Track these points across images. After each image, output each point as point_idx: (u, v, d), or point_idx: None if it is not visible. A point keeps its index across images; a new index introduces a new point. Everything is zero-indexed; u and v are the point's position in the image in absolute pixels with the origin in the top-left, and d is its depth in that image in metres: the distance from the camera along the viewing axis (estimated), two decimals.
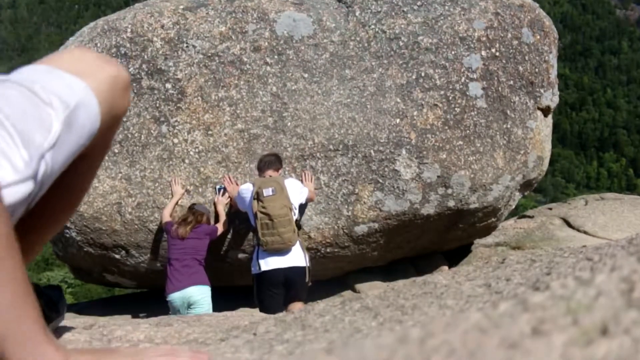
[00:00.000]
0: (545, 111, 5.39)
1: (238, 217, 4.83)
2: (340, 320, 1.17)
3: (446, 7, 5.05)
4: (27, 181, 0.81)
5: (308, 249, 4.68)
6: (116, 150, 4.85)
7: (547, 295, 0.50)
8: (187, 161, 4.85)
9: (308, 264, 4.23)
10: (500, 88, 5.04)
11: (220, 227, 4.72)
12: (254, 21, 4.92)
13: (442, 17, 5.01)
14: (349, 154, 4.80)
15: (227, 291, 5.12)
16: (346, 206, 4.84)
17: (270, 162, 4.39)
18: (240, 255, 5.06)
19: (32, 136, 0.83)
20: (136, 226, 4.89)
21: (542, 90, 5.27)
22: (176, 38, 4.88)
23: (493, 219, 5.48)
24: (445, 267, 5.76)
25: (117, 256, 5.09)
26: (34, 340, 0.76)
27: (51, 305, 1.18)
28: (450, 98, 4.90)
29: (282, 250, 4.14)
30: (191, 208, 4.65)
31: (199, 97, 4.86)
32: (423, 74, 4.91)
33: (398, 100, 4.86)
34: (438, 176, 4.84)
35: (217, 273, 4.96)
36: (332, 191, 4.83)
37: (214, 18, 4.93)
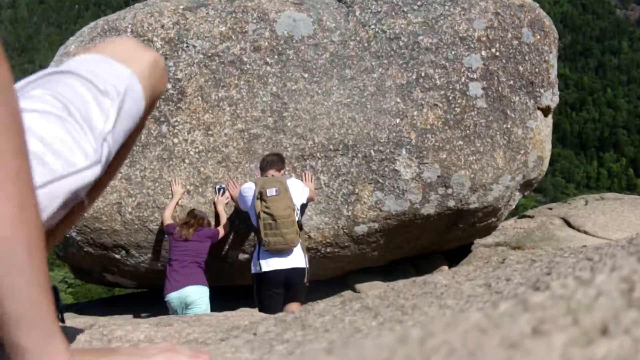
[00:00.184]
0: (546, 111, 5.39)
1: (238, 217, 4.83)
2: (340, 320, 1.17)
3: (446, 7, 5.05)
4: (96, 166, 0.89)
5: (308, 249, 4.69)
6: None
7: (547, 295, 0.50)
8: (187, 161, 4.85)
9: (307, 266, 4.22)
10: (500, 88, 5.04)
11: (221, 231, 4.72)
12: (254, 21, 4.92)
13: (442, 17, 5.01)
14: (349, 153, 4.80)
15: (227, 291, 5.12)
16: (346, 206, 4.84)
17: (273, 161, 4.38)
18: (241, 256, 5.06)
19: (95, 123, 0.91)
20: (136, 226, 4.89)
21: (542, 90, 5.27)
22: (176, 38, 4.88)
23: (493, 219, 5.48)
24: (445, 267, 5.76)
25: (117, 256, 5.09)
26: (47, 329, 0.74)
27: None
28: (451, 98, 4.90)
29: (284, 251, 4.12)
30: (191, 212, 4.67)
31: (199, 97, 4.86)
32: (423, 74, 4.91)
33: (398, 100, 4.86)
34: (438, 176, 4.84)
35: (217, 273, 4.96)
36: (332, 191, 4.83)
37: (214, 18, 4.93)
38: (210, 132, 4.85)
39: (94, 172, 0.89)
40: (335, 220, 4.87)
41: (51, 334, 0.74)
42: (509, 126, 5.08)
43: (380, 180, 4.81)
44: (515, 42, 5.12)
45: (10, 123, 0.68)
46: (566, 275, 1.05)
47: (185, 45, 4.87)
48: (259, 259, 4.15)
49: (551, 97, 5.37)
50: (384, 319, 1.11)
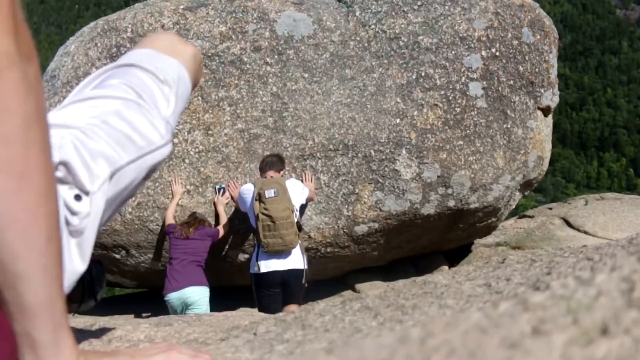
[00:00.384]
0: (546, 111, 5.39)
1: (238, 217, 4.83)
2: (340, 320, 1.17)
3: (446, 7, 5.05)
4: (168, 144, 1.04)
5: (308, 249, 4.69)
6: None
7: (547, 295, 0.50)
8: (187, 161, 4.85)
9: (306, 267, 4.22)
10: (500, 88, 5.04)
11: (221, 230, 4.73)
12: (254, 21, 4.92)
13: (442, 17, 5.01)
14: (349, 153, 4.80)
15: (227, 291, 5.12)
16: (346, 206, 4.84)
17: (273, 162, 4.37)
18: (241, 256, 5.06)
19: (161, 110, 1.06)
20: (136, 226, 4.89)
21: (542, 90, 5.27)
22: None
23: (493, 219, 5.48)
24: (445, 267, 5.76)
25: (117, 256, 5.09)
26: (58, 322, 0.73)
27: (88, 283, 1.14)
28: (451, 98, 4.90)
29: (283, 252, 4.12)
30: (192, 214, 4.69)
31: (199, 97, 4.86)
32: (423, 74, 4.91)
33: (398, 100, 4.86)
34: (438, 176, 4.84)
35: (217, 273, 4.96)
36: (332, 191, 4.83)
37: (214, 18, 4.93)
38: (210, 132, 4.85)
39: (169, 149, 1.05)
40: (335, 220, 4.87)
41: (62, 328, 0.74)
42: (509, 126, 5.08)
43: (381, 180, 4.81)
44: (515, 42, 5.12)
45: (36, 119, 0.70)
46: (566, 275, 1.05)
47: None
48: (257, 260, 4.15)
49: (551, 97, 5.36)
50: (384, 319, 1.11)
